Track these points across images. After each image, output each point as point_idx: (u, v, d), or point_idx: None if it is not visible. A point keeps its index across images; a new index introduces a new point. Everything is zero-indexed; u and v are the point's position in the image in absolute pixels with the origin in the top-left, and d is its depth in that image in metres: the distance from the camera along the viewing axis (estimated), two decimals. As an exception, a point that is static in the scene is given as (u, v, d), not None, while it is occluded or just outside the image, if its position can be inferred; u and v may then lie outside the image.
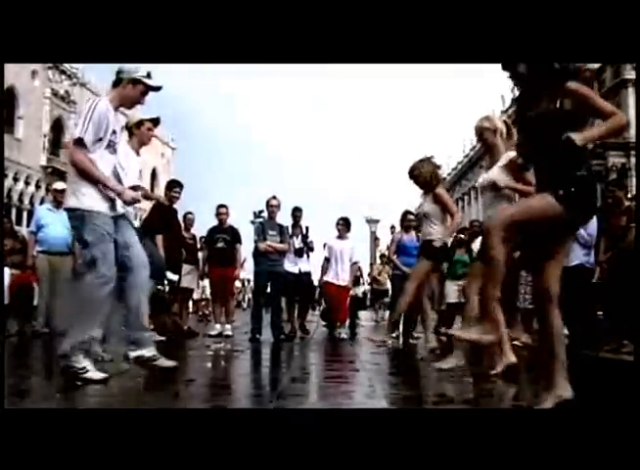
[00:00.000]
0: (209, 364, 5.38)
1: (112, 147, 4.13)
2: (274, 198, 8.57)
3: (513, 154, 4.35)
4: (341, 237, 9.55)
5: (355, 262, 9.74)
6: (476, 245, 9.34)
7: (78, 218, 3.98)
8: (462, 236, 9.25)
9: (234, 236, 9.24)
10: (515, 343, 7.56)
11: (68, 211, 4.08)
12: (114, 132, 4.11)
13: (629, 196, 8.45)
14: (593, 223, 7.42)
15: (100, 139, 4.00)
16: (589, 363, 5.83)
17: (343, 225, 9.55)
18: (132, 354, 4.29)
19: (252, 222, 8.89)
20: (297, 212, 9.58)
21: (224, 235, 9.13)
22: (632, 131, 18.08)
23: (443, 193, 6.19)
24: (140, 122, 5.17)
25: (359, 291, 14.09)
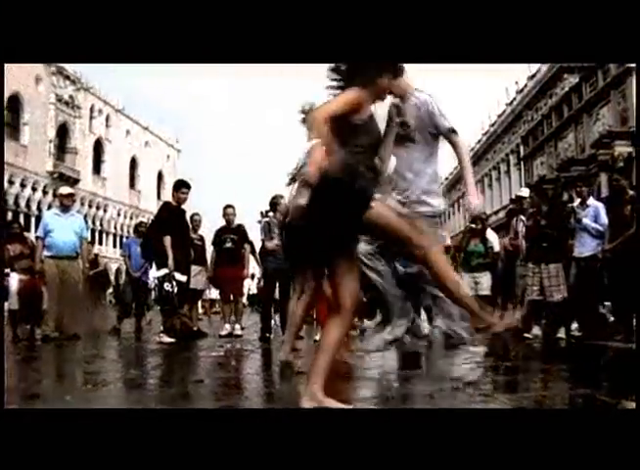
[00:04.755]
0: (219, 364, 5.38)
1: None
2: (280, 196, 8.55)
3: None
4: None
5: None
6: (491, 236, 9.29)
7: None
8: (474, 225, 9.07)
9: (242, 235, 9.25)
10: (526, 335, 7.56)
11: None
12: None
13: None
14: (603, 214, 7.41)
15: None
16: (600, 353, 5.80)
17: None
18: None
19: (259, 222, 8.86)
20: None
21: (232, 235, 9.14)
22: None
23: None
24: None
25: None
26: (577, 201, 8.00)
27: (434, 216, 3.87)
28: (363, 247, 3.84)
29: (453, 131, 3.81)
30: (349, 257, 2.80)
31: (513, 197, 10.95)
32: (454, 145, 3.84)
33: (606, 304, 7.86)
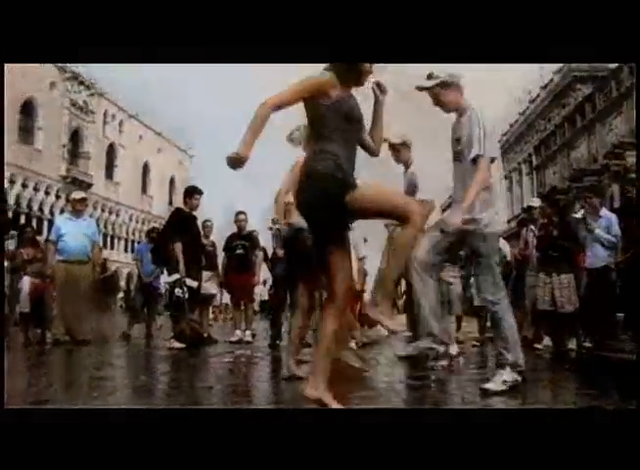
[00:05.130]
0: (229, 371, 5.38)
1: None
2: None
3: None
4: None
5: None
6: (504, 246, 9.25)
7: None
8: None
9: (252, 242, 9.26)
10: (537, 346, 7.52)
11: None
12: None
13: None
14: (616, 224, 7.35)
15: None
16: (611, 365, 5.75)
17: None
18: None
19: (270, 229, 8.87)
20: None
21: (243, 242, 9.16)
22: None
23: None
24: None
25: None
26: (582, 211, 7.93)
27: (483, 233, 3.83)
28: (428, 257, 3.85)
29: (478, 158, 3.77)
30: (342, 247, 2.83)
31: (524, 206, 10.92)
32: (475, 169, 3.80)
33: (618, 315, 7.79)
